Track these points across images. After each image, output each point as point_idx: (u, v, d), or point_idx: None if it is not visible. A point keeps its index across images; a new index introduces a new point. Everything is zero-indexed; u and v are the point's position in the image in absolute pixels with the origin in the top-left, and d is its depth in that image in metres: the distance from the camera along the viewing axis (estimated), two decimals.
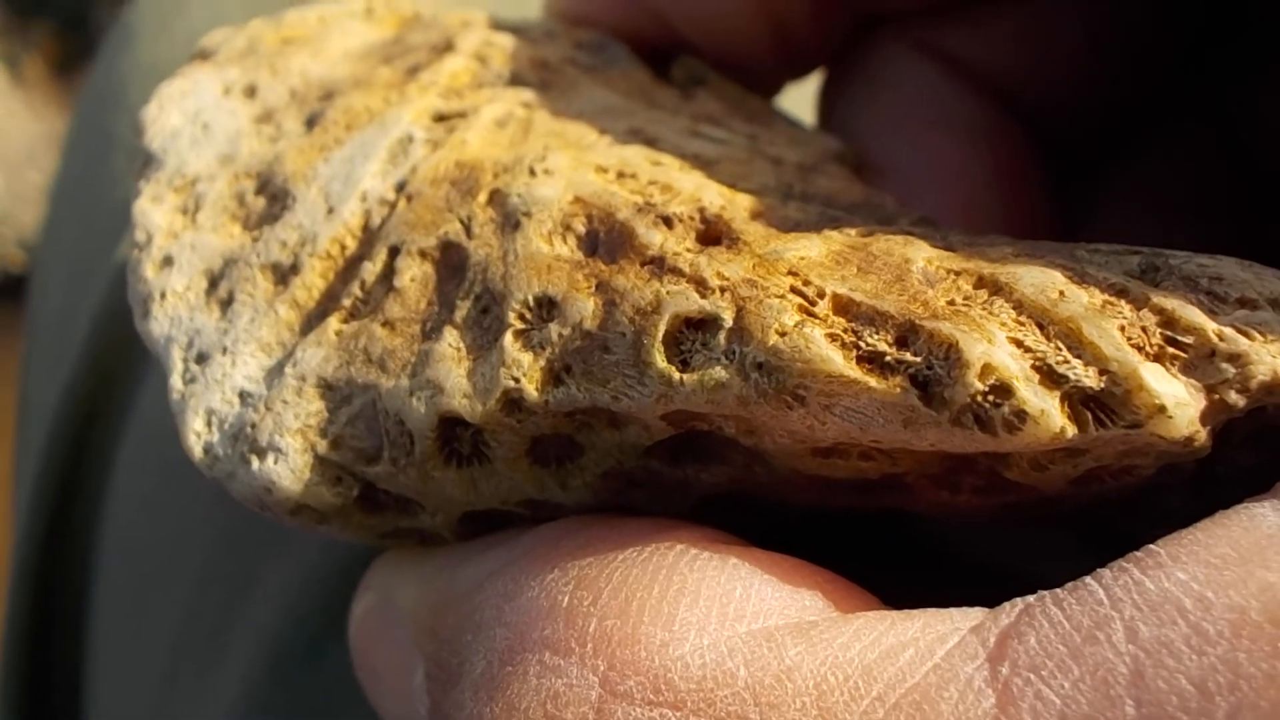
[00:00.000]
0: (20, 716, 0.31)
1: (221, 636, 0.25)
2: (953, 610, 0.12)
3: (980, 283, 0.14)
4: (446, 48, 0.20)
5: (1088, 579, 0.12)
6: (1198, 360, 0.13)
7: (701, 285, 0.14)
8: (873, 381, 0.13)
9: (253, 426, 0.16)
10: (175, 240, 0.18)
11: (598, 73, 0.20)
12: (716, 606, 0.13)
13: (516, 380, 0.15)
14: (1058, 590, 0.12)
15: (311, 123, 0.19)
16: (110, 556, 0.29)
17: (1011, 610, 0.12)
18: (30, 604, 0.31)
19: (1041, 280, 0.14)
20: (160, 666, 0.26)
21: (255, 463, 0.16)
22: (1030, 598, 0.12)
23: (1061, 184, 0.21)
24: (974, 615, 0.12)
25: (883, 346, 0.13)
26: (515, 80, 0.19)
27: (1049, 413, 0.13)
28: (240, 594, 0.25)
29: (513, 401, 0.15)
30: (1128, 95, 0.22)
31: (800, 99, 0.23)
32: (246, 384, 0.17)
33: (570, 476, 0.16)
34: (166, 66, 0.34)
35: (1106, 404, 0.13)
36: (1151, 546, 0.12)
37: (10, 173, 1.49)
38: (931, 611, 0.12)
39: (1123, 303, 0.13)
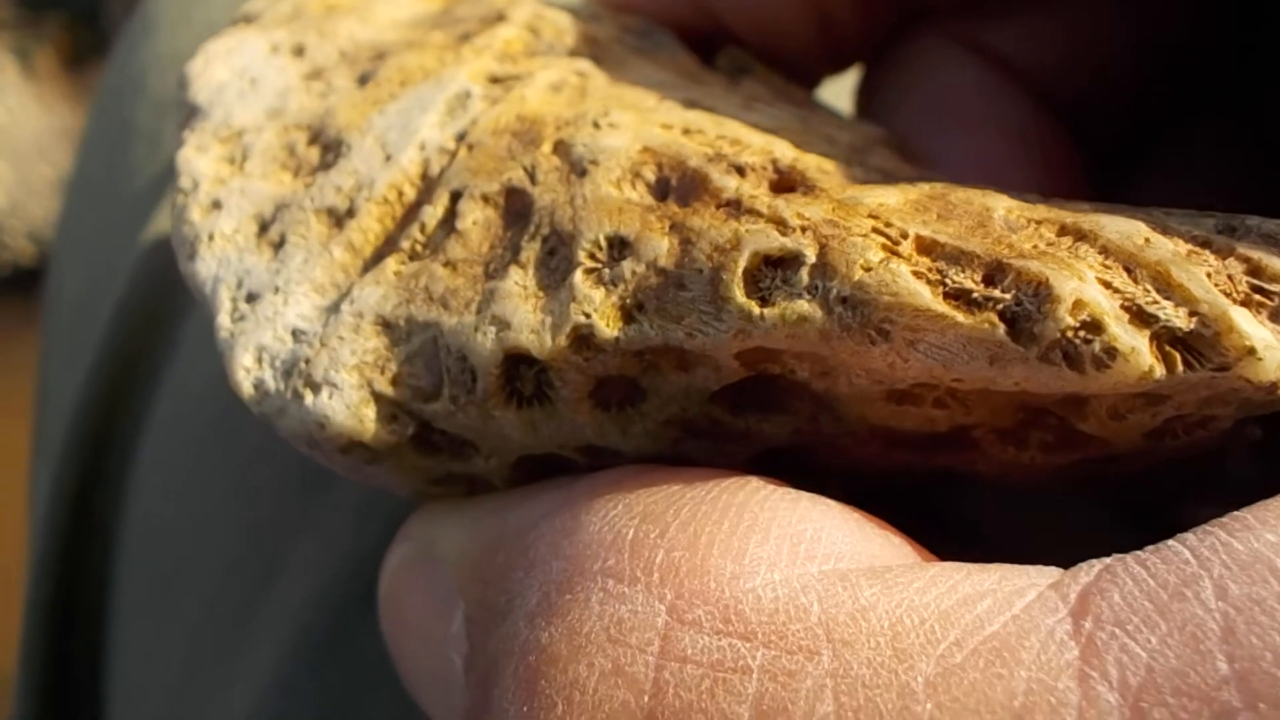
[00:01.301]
0: (42, 702, 0.31)
1: (246, 622, 0.25)
2: (1028, 567, 0.12)
3: (1064, 230, 0.14)
4: (498, 19, 0.20)
5: (1170, 541, 0.12)
6: None
7: (782, 225, 0.14)
8: (960, 316, 0.13)
9: (307, 362, 0.16)
10: (223, 185, 0.18)
11: (646, 54, 0.20)
12: (788, 544, 0.13)
13: (588, 316, 0.15)
14: (1139, 551, 0.12)
15: (364, 80, 0.19)
16: (132, 544, 0.29)
17: (1091, 569, 0.12)
18: (52, 591, 0.30)
19: (1127, 228, 0.13)
20: (183, 652, 0.26)
21: (309, 397, 0.16)
22: (1108, 559, 0.12)
23: (1097, 181, 0.21)
24: (1050, 573, 0.12)
25: (969, 284, 0.13)
26: (567, 52, 0.19)
27: (1139, 350, 0.13)
28: (265, 579, 0.25)
29: (582, 338, 0.15)
30: (1165, 93, 0.22)
31: (830, 98, 0.23)
32: (300, 322, 0.16)
33: (631, 422, 0.16)
34: (187, 56, 0.34)
35: (1194, 346, 0.13)
36: (1236, 513, 0.12)
37: (21, 166, 1.50)
38: (1007, 566, 0.12)
39: (1207, 252, 0.13)
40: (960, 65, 0.20)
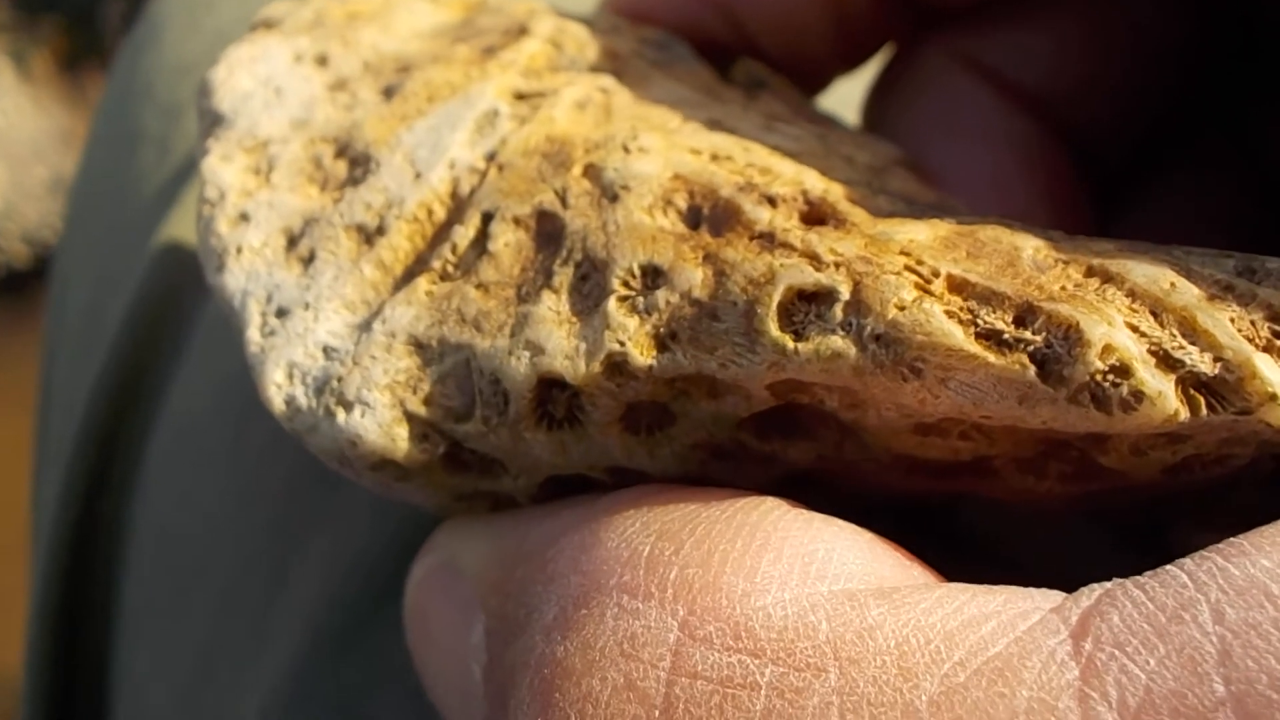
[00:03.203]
0: (49, 702, 0.31)
1: (260, 619, 0.25)
2: (1032, 590, 0.13)
3: (1090, 271, 0.14)
4: (521, 31, 0.20)
5: (1169, 566, 0.12)
6: None
7: (815, 260, 0.15)
8: (992, 357, 0.14)
9: (339, 380, 0.16)
10: (250, 198, 0.18)
11: (664, 68, 0.20)
12: (799, 564, 0.13)
13: (622, 344, 0.15)
14: (1139, 576, 0.12)
15: (389, 93, 0.19)
16: (141, 544, 0.29)
17: (1091, 593, 0.12)
18: (60, 593, 0.31)
19: (1153, 272, 0.14)
20: (195, 650, 0.26)
21: (341, 416, 0.16)
22: (1109, 583, 0.12)
23: (1097, 198, 0.22)
24: (1053, 596, 0.12)
25: (1000, 325, 0.14)
26: (589, 67, 0.19)
27: (1166, 394, 0.13)
28: (278, 578, 0.25)
29: (616, 365, 0.15)
30: (1163, 112, 0.22)
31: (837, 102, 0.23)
32: (330, 339, 0.17)
33: (659, 445, 0.16)
34: (195, 63, 0.34)
35: (1218, 390, 0.13)
36: (1232, 539, 0.12)
37: (16, 168, 1.49)
38: (1012, 589, 0.13)
39: (1230, 297, 0.14)
40: (962, 82, 0.21)
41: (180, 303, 0.30)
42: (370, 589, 0.23)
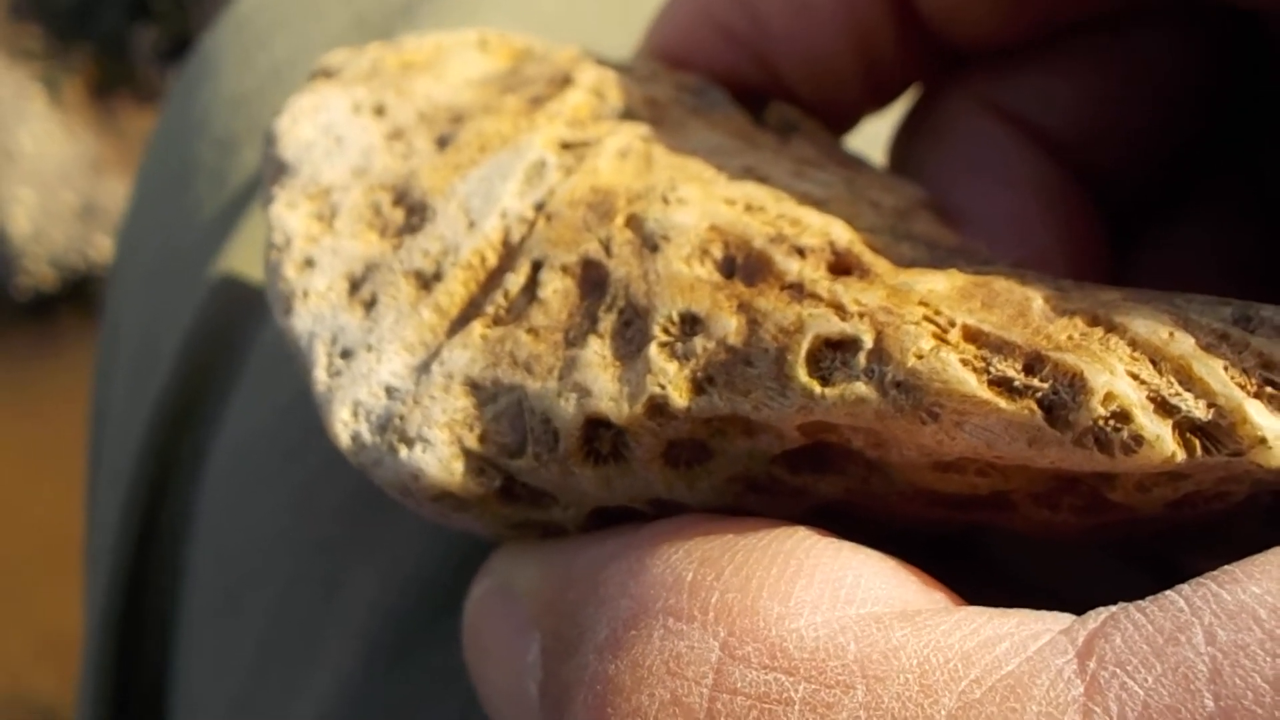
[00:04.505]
0: (110, 710, 0.32)
1: (312, 635, 0.26)
2: (1044, 613, 0.14)
3: (1095, 321, 0.15)
4: (565, 81, 0.21)
5: (1168, 592, 0.13)
6: None
7: (840, 310, 0.16)
8: (1003, 403, 0.15)
9: (401, 418, 0.17)
10: (315, 244, 0.19)
11: (702, 114, 0.21)
12: (829, 589, 0.14)
13: (662, 387, 0.16)
14: (1140, 601, 0.13)
15: (443, 143, 0.20)
16: (199, 559, 0.30)
17: (1097, 616, 0.13)
18: (122, 605, 0.32)
19: (1153, 322, 0.15)
20: (248, 663, 0.27)
21: (404, 451, 0.17)
22: (1113, 607, 0.13)
23: (1114, 237, 0.23)
24: (1063, 619, 0.13)
25: (1011, 373, 0.15)
26: (630, 116, 0.21)
27: (1163, 438, 0.14)
28: (331, 596, 0.26)
29: (657, 406, 0.16)
30: (1180, 155, 0.23)
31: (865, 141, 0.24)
32: (392, 379, 0.18)
33: (698, 479, 0.17)
34: (249, 97, 0.35)
35: (1212, 434, 0.14)
36: (1226, 567, 0.13)
37: (45, 193, 1.52)
38: (1025, 612, 0.14)
39: (1225, 346, 0.15)
40: (985, 125, 0.22)
41: (235, 332, 0.31)
42: (423, 605, 0.24)
